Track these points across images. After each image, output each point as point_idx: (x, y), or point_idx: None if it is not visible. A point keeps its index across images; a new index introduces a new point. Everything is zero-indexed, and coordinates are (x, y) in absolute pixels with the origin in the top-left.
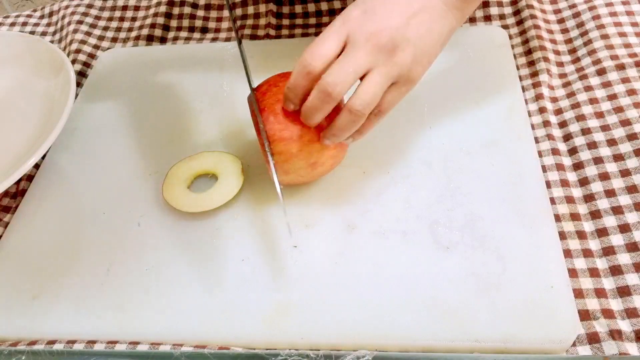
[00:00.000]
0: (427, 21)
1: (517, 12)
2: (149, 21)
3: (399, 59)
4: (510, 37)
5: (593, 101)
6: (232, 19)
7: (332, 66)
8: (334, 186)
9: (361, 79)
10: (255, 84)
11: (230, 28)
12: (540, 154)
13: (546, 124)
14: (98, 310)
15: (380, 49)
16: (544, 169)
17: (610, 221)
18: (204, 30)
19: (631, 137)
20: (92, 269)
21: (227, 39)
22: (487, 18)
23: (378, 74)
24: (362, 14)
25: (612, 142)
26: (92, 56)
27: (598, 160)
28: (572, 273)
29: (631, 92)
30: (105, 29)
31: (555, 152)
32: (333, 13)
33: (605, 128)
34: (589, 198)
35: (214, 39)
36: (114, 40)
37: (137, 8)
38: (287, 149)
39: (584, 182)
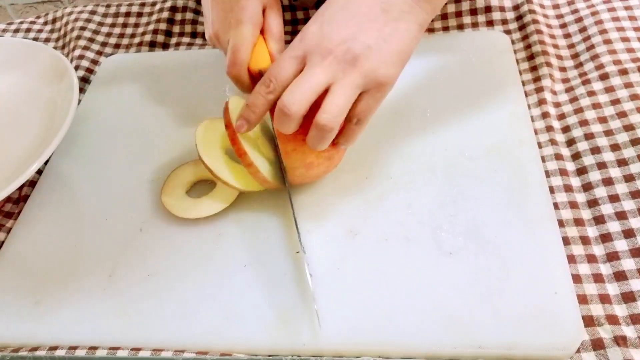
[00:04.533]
0: (390, 21)
1: (519, 17)
2: (151, 27)
3: (362, 67)
4: (513, 42)
5: (596, 106)
6: None
7: (290, 86)
8: (336, 191)
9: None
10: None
11: None
12: (543, 159)
13: (549, 129)
14: (100, 316)
15: (338, 62)
16: (547, 174)
17: (614, 226)
18: None
19: (635, 142)
20: (95, 275)
21: None
22: (490, 23)
23: (340, 86)
24: (319, 29)
25: (615, 147)
26: (94, 62)
27: (601, 165)
28: (576, 279)
29: (634, 97)
30: (108, 35)
31: (558, 157)
32: None
33: (608, 133)
34: (592, 203)
35: None
36: (117, 46)
37: (139, 14)
38: (282, 147)
39: (587, 187)
